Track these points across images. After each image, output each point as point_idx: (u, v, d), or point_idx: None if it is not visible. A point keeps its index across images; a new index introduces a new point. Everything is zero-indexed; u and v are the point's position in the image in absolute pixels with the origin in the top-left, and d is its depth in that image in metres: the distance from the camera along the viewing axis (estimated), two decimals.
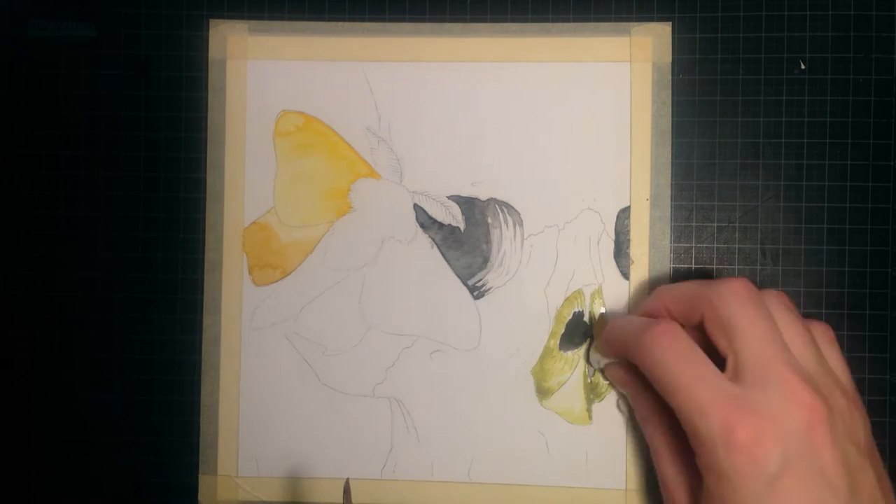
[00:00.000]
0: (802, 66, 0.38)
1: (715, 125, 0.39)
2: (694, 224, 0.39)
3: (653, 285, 0.38)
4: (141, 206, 0.39)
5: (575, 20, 0.39)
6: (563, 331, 0.38)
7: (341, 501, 0.39)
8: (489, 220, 0.39)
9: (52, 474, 0.39)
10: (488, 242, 0.39)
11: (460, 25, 0.39)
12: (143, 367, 0.39)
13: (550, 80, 0.39)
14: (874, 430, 0.37)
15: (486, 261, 0.39)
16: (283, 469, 0.39)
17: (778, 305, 0.30)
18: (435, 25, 0.39)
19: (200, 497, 0.39)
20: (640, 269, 0.38)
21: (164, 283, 0.39)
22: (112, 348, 0.39)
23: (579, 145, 0.39)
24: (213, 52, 0.39)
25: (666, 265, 0.38)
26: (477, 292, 0.39)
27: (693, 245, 0.39)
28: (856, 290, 0.38)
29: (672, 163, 0.38)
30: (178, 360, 0.39)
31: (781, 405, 0.27)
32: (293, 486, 0.39)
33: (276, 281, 0.39)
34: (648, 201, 0.38)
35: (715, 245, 0.38)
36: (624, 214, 0.38)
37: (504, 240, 0.39)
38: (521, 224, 0.39)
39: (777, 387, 0.27)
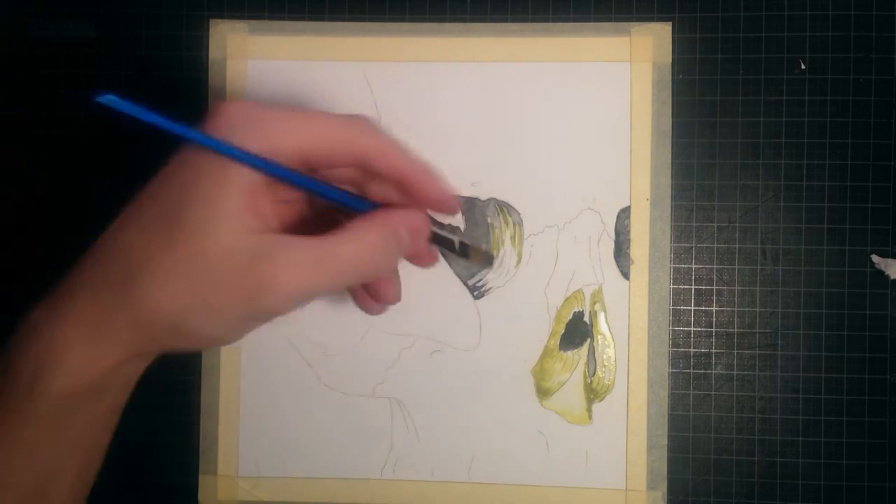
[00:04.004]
0: (802, 66, 0.38)
1: (715, 125, 0.39)
2: (694, 224, 0.39)
3: (653, 285, 0.38)
4: None
5: (575, 20, 0.39)
6: (563, 331, 0.38)
7: (342, 500, 0.39)
8: (489, 220, 0.39)
9: None
10: (488, 242, 0.39)
11: (460, 25, 0.39)
12: None
13: (550, 80, 0.39)
14: (873, 430, 0.38)
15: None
16: (283, 469, 0.39)
17: None
18: (435, 25, 0.39)
19: (201, 497, 0.39)
20: (640, 269, 0.38)
21: None
22: None
23: (579, 145, 0.39)
24: (214, 51, 0.39)
25: (666, 265, 0.38)
26: (477, 292, 0.39)
27: (693, 245, 0.39)
28: (856, 290, 0.38)
29: (672, 163, 0.38)
30: (179, 360, 0.39)
31: None
32: (293, 486, 0.39)
33: None
34: (648, 201, 0.38)
35: (715, 245, 0.39)
36: (624, 214, 0.38)
37: (504, 240, 0.39)
38: (521, 224, 0.39)
39: None
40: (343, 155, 0.28)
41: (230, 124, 0.27)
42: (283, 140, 0.27)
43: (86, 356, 0.27)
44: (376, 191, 0.31)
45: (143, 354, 0.28)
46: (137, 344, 0.27)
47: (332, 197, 0.29)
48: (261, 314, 0.28)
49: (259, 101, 0.29)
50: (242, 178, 0.27)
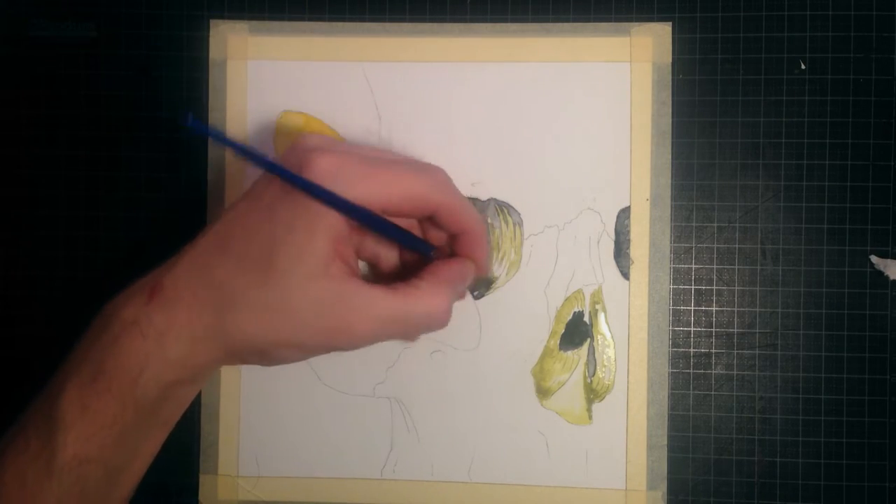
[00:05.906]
0: (802, 66, 0.38)
1: (715, 125, 0.39)
2: (694, 224, 0.39)
3: (653, 285, 0.38)
4: (142, 206, 0.39)
5: (575, 20, 0.39)
6: (563, 331, 0.38)
7: (342, 500, 0.39)
8: (489, 220, 0.39)
9: None
10: (488, 242, 0.39)
11: (460, 25, 0.39)
12: None
13: (550, 80, 0.39)
14: (873, 430, 0.38)
15: None
16: (284, 469, 0.39)
17: None
18: (435, 25, 0.39)
19: (201, 497, 0.39)
20: (640, 269, 0.38)
21: None
22: None
23: (579, 145, 0.39)
24: (214, 52, 0.39)
25: (666, 265, 0.38)
26: (477, 292, 0.39)
27: (693, 245, 0.39)
28: (856, 290, 0.38)
29: (672, 163, 0.38)
30: None
31: None
32: (293, 486, 0.39)
33: None
34: (648, 201, 0.38)
35: (715, 245, 0.39)
36: (624, 214, 0.38)
37: (504, 240, 0.39)
38: (521, 224, 0.39)
39: None
40: (420, 209, 0.31)
41: (324, 174, 0.29)
42: (372, 194, 0.30)
43: (190, 352, 0.30)
44: (433, 236, 0.35)
45: (234, 361, 0.32)
46: (230, 356, 0.31)
47: (403, 241, 0.33)
48: (335, 350, 0.32)
49: (343, 148, 0.31)
50: (331, 228, 0.29)
